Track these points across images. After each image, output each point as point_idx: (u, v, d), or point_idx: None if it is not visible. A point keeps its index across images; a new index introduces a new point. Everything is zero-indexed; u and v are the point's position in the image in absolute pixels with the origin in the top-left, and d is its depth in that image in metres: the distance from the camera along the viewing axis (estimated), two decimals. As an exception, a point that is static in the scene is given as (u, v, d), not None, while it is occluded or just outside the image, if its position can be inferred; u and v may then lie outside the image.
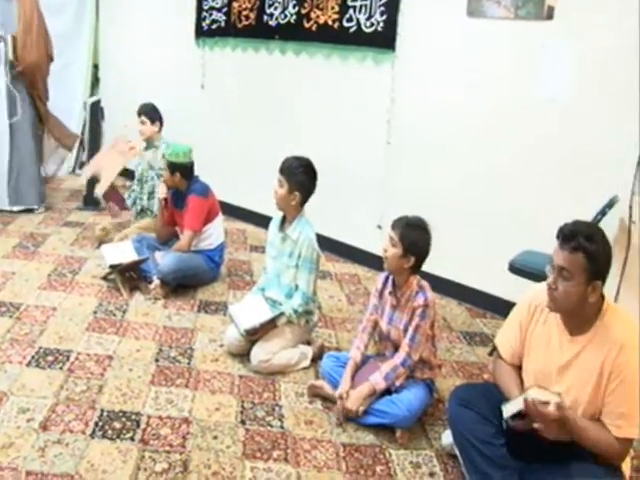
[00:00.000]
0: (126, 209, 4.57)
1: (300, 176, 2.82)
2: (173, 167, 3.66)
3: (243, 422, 2.44)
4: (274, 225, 3.03)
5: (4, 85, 4.71)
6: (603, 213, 2.86)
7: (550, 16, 3.18)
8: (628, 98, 2.95)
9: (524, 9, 3.28)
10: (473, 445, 2.01)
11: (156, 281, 3.56)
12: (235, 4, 4.83)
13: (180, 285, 3.65)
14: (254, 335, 2.85)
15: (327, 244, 4.11)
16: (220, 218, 3.85)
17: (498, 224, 3.51)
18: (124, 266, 3.57)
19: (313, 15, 4.26)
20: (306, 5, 4.29)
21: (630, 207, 2.97)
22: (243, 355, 2.91)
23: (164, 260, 3.59)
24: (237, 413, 2.50)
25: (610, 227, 2.79)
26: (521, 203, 3.41)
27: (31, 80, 4.70)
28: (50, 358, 2.78)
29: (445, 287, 3.74)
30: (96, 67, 6.70)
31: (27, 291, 3.47)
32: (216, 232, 3.80)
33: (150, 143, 4.27)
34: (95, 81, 6.69)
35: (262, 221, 3.22)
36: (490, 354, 3.12)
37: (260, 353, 2.82)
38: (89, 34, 6.55)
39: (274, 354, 2.81)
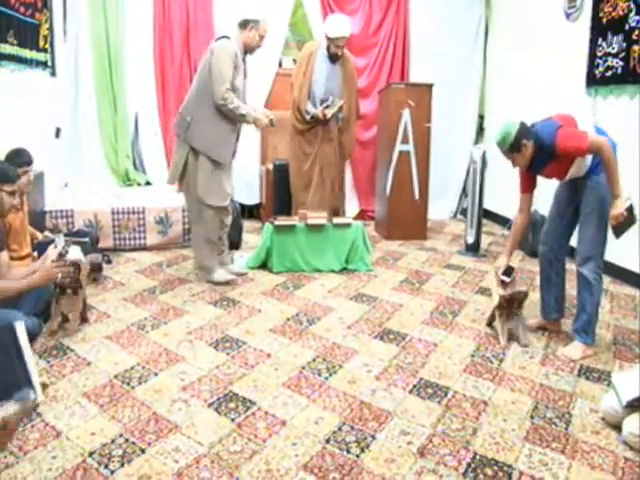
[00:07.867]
0: None
1: None
2: (516, 146, 3.16)
3: (625, 510, 2.24)
4: None
5: None
6: None
7: None
8: None
9: None
10: None
11: None
12: (635, 47, 4.52)
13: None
14: (636, 408, 2.59)
15: None
16: None
17: None
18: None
19: None
20: None
21: None
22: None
23: None
24: (619, 498, 2.30)
25: None
26: None
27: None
28: (430, 390, 3.02)
29: None
30: (481, 117, 7.11)
31: (412, 324, 3.85)
32: None
33: None
34: (479, 131, 7.11)
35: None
36: None
37: (632, 425, 2.52)
38: (477, 86, 7.02)
39: None
